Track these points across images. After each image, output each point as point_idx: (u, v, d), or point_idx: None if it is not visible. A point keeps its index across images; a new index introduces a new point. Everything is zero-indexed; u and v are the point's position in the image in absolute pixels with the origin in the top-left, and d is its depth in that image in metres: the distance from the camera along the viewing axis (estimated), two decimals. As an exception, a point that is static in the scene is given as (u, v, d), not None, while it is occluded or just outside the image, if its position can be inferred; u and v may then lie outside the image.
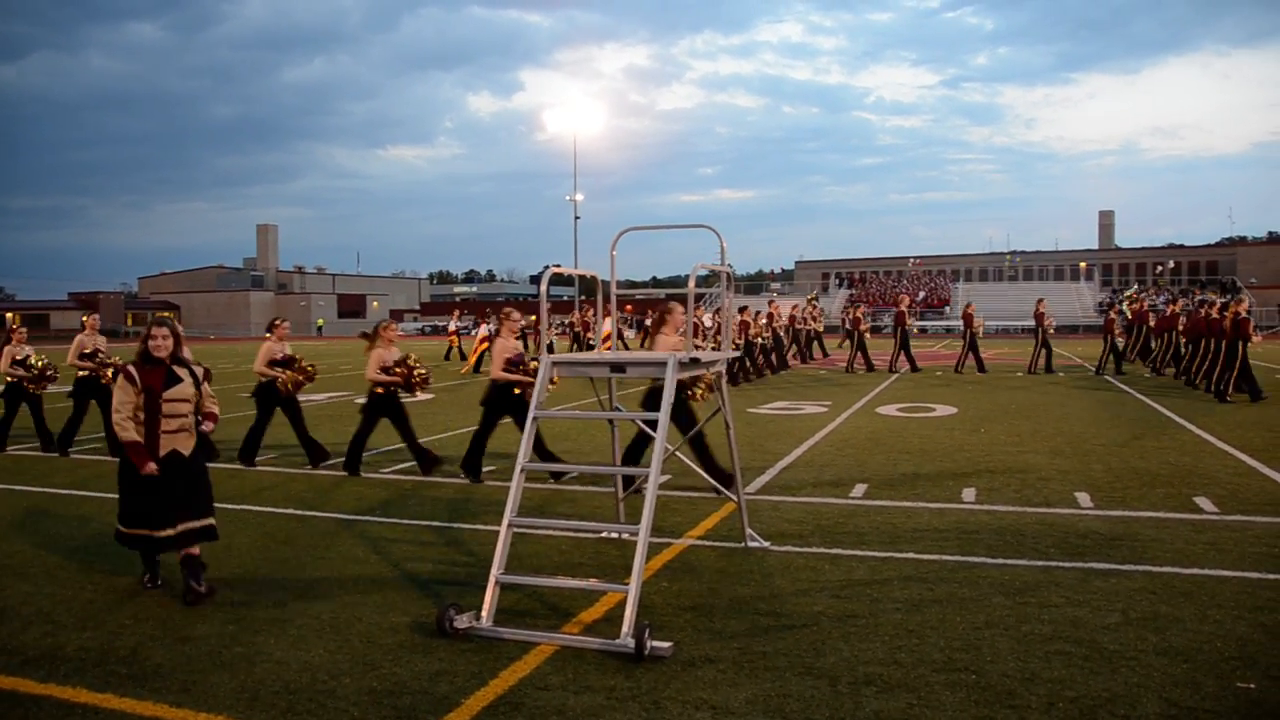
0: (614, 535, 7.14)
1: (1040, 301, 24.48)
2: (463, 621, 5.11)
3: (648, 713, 4.15)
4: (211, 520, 6.03)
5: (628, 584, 5.02)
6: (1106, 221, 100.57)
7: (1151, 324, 24.75)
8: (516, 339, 10.16)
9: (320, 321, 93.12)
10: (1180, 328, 22.03)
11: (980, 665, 4.62)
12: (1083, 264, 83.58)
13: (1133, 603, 5.50)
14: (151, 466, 5.77)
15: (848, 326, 27.88)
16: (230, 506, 8.53)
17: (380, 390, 10.19)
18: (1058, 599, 5.60)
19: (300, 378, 10.80)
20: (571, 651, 4.89)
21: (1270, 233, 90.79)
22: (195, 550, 5.89)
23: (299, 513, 8.29)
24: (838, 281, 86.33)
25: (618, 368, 5.96)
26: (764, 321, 23.82)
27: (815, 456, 10.90)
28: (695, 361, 6.00)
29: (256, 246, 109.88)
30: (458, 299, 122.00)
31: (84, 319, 12.85)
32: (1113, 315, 24.36)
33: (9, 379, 12.31)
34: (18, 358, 12.26)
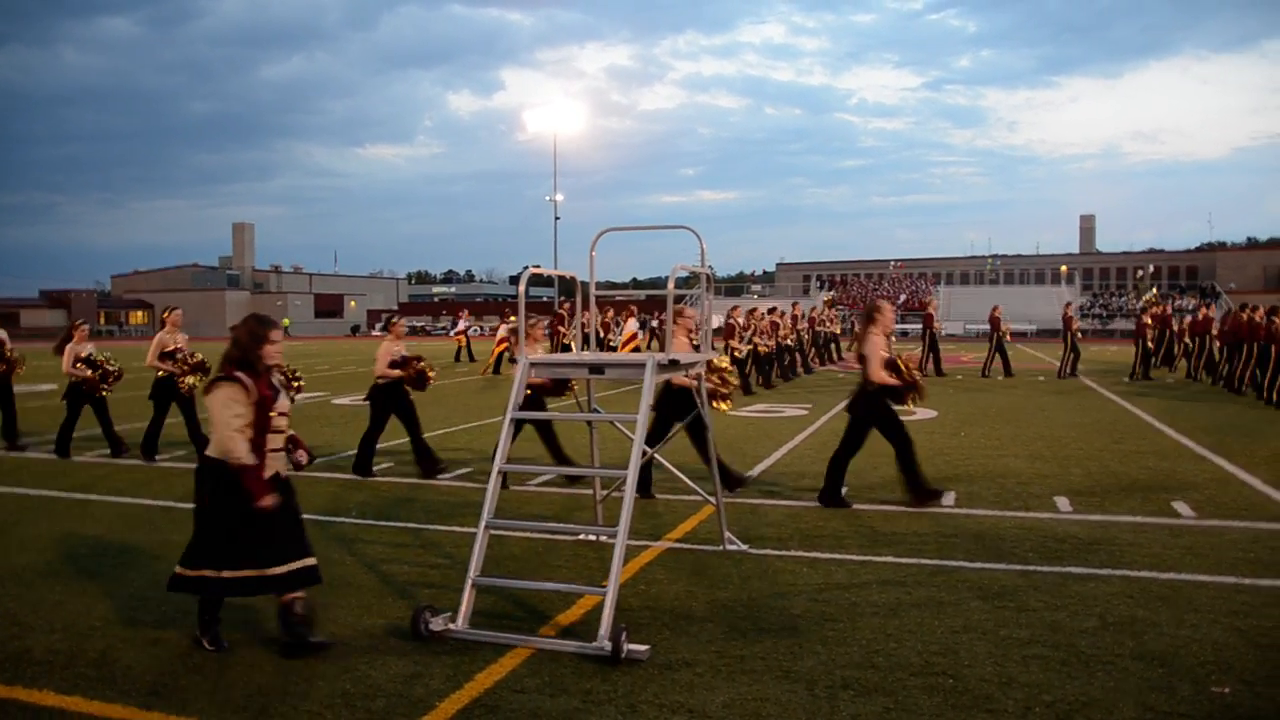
0: (592, 538, 7.11)
1: (1068, 305, 24.01)
2: (438, 624, 5.06)
3: (624, 716, 4.12)
4: (314, 559, 5.09)
5: (605, 586, 5.00)
6: (1087, 225, 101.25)
7: (1175, 328, 24.51)
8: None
9: (286, 321, 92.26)
10: (1214, 332, 21.52)
11: (958, 669, 4.61)
12: (1063, 268, 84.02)
13: (1110, 607, 5.51)
14: (270, 500, 4.88)
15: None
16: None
17: (383, 384, 10.07)
18: (1036, 603, 5.60)
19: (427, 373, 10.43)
20: (548, 654, 4.85)
21: (1249, 238, 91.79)
22: (301, 594, 4.98)
23: (274, 513, 8.20)
24: (819, 284, 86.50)
25: (596, 369, 5.93)
26: (789, 323, 23.42)
27: (795, 459, 10.90)
28: (674, 364, 5.96)
29: (232, 245, 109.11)
30: (436, 299, 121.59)
31: (164, 315, 11.34)
32: (1146, 320, 23.57)
33: (72, 379, 11.40)
34: (81, 356, 11.35)
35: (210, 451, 4.96)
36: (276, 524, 4.92)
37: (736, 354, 18.87)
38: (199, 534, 4.97)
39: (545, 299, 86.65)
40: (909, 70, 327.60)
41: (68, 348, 11.32)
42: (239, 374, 4.95)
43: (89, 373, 11.29)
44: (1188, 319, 25.22)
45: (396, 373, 10.09)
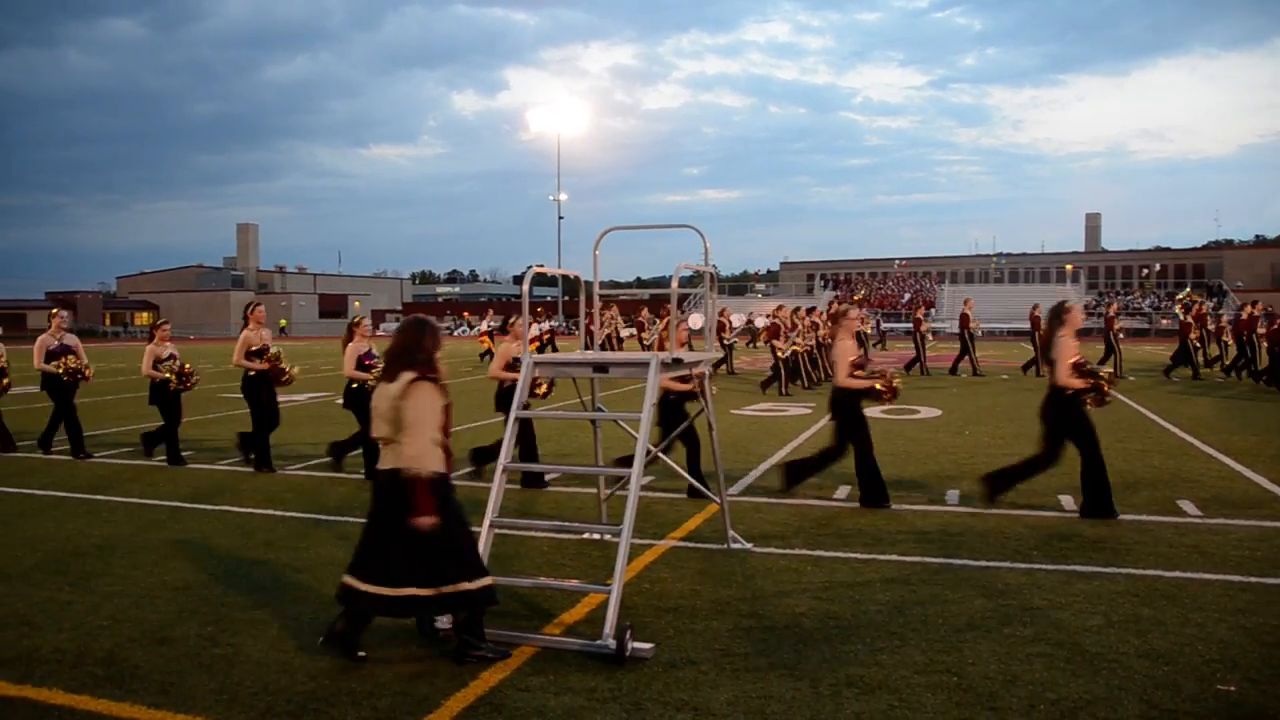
0: (596, 536, 7.12)
1: (1111, 305, 23.76)
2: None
3: (628, 714, 4.13)
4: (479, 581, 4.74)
5: (609, 585, 5.00)
6: (1093, 224, 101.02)
7: (1211, 327, 24.06)
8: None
9: (283, 322, 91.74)
10: (1263, 331, 20.90)
11: (962, 667, 4.61)
12: (1069, 266, 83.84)
13: (1115, 605, 5.51)
14: (430, 521, 4.58)
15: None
16: (209, 507, 8.48)
17: (355, 385, 10.13)
18: (1040, 601, 5.60)
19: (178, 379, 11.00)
20: (552, 652, 4.87)
21: (1257, 236, 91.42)
22: (462, 616, 4.78)
23: (279, 513, 8.23)
24: (823, 283, 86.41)
25: (600, 368, 5.94)
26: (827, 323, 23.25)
27: (798, 458, 10.87)
28: (678, 362, 5.98)
29: (237, 246, 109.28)
30: (440, 299, 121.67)
31: (248, 311, 10.66)
32: (1189, 319, 22.84)
33: (153, 380, 11.06)
34: (161, 357, 11.05)
35: (402, 463, 4.62)
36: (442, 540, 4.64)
37: (780, 353, 18.69)
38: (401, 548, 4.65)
39: (549, 298, 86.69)
40: (914, 69, 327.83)
41: (148, 349, 11.16)
42: (431, 372, 4.69)
43: (169, 374, 10.97)
44: (1225, 317, 24.83)
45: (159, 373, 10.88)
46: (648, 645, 4.84)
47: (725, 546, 6.85)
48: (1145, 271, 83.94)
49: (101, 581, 6.19)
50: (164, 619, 5.43)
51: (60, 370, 11.58)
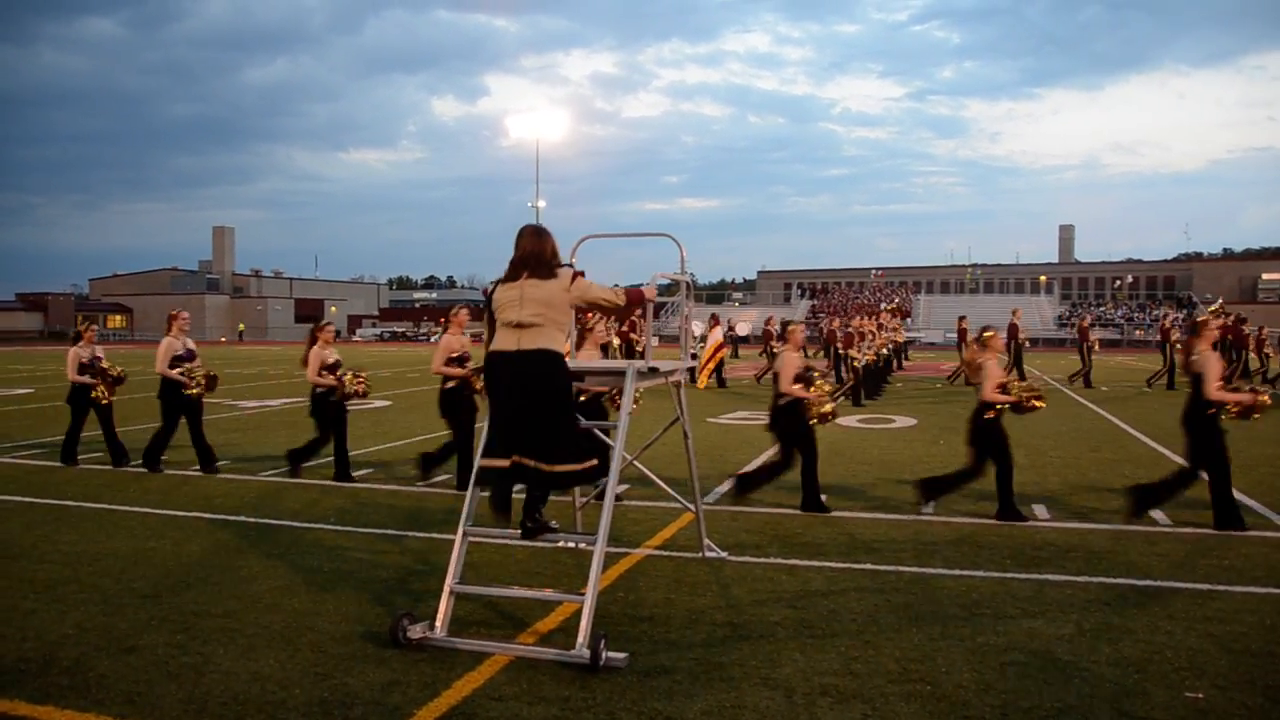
0: (571, 545, 7.10)
1: (1165, 316, 23.32)
2: (416, 631, 5.04)
3: (602, 724, 4.11)
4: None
5: (584, 594, 4.99)
6: (1066, 235, 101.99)
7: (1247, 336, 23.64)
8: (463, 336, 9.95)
9: (241, 326, 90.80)
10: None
11: (935, 676, 4.62)
12: (1042, 277, 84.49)
13: (1087, 614, 5.55)
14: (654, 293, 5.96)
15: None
16: (181, 514, 8.39)
17: (321, 391, 10.07)
18: (1013, 610, 5.63)
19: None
20: (526, 662, 4.84)
21: (1225, 249, 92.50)
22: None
23: (252, 520, 8.15)
24: (799, 292, 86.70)
25: (575, 377, 5.92)
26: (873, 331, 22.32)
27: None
28: (654, 371, 5.97)
29: (212, 249, 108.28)
30: (417, 304, 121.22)
31: (314, 329, 10.22)
32: (1214, 332, 22.26)
33: (318, 389, 10.12)
34: (328, 362, 10.13)
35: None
36: None
37: (856, 363, 18.42)
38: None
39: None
40: (893, 80, 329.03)
41: (311, 352, 10.12)
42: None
43: (332, 381, 10.16)
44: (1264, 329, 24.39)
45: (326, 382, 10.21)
46: (622, 654, 4.82)
47: (700, 555, 6.84)
48: (1117, 283, 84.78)
49: (68, 589, 6.11)
50: (132, 627, 5.36)
51: (188, 379, 10.50)
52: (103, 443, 11.29)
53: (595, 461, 5.24)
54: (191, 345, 10.74)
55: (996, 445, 8.15)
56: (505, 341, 5.17)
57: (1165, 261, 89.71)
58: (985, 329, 8.65)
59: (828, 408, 8.41)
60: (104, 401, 11.22)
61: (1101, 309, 74.71)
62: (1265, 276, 76.57)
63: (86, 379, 11.14)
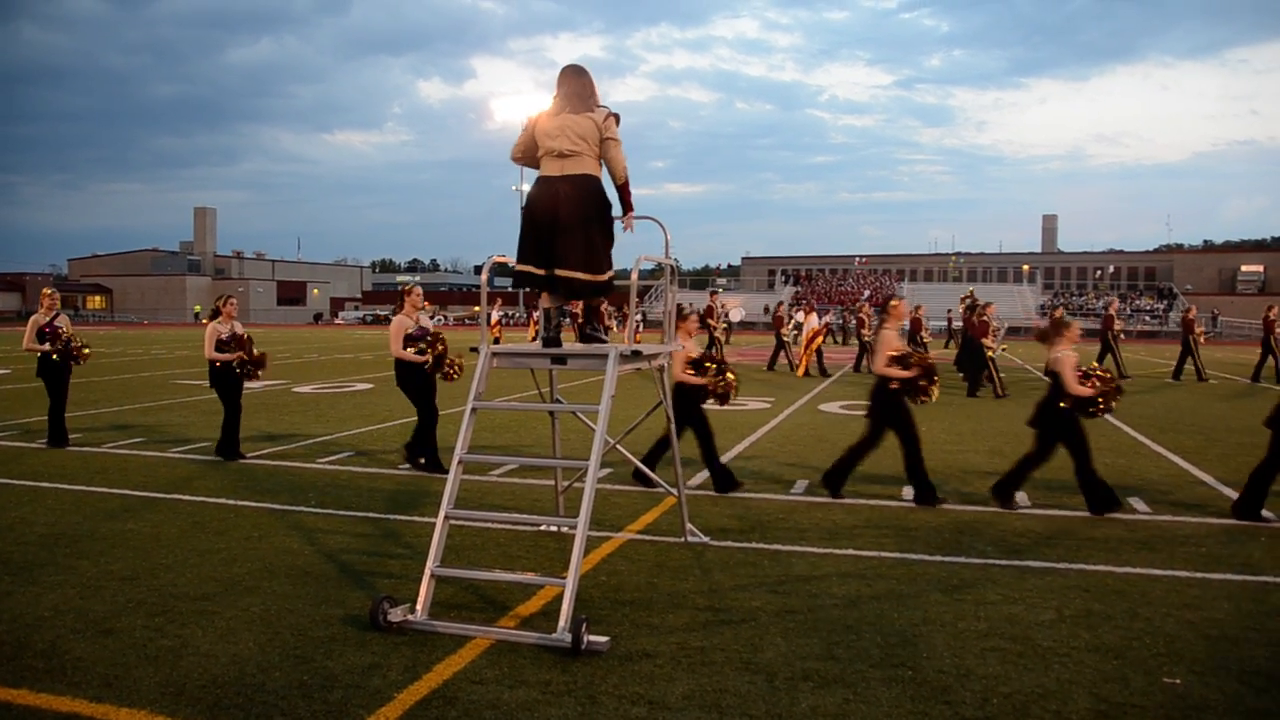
0: (553, 528, 7.08)
1: (1189, 310, 22.67)
2: (397, 614, 5.02)
3: (583, 707, 4.11)
4: None
5: (565, 578, 4.97)
6: (1050, 225, 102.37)
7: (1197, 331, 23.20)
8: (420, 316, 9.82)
9: (197, 308, 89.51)
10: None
11: (917, 661, 4.64)
12: (1025, 267, 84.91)
13: (1066, 600, 5.58)
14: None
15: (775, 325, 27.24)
16: (160, 495, 8.33)
17: (218, 365, 10.13)
18: (994, 596, 5.65)
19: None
20: (507, 645, 4.83)
21: (1205, 241, 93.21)
22: None
23: (231, 502, 8.10)
24: (784, 278, 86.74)
25: (558, 360, 5.90)
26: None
27: (756, 452, 10.92)
28: (636, 354, 5.94)
29: (194, 230, 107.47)
30: (400, 287, 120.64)
31: (404, 293, 9.90)
32: (1272, 315, 21.34)
33: (405, 359, 9.58)
34: (222, 337, 10.11)
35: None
36: None
37: (990, 353, 17.92)
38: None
39: (510, 289, 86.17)
40: (880, 68, 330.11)
41: (394, 320, 9.72)
42: None
43: (230, 356, 10.19)
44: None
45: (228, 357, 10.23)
46: (603, 638, 4.81)
47: (682, 540, 6.84)
48: (1099, 273, 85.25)
49: (44, 572, 6.05)
50: (109, 610, 5.32)
51: (233, 361, 10.26)
52: (87, 426, 11.17)
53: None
54: (240, 329, 10.42)
55: (897, 419, 8.19)
56: (551, 167, 5.82)
57: (1147, 252, 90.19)
58: (909, 307, 8.56)
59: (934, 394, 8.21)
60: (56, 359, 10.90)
61: (1083, 299, 75.08)
62: (1244, 268, 77.20)
63: (46, 347, 10.88)
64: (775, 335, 25.76)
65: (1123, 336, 23.28)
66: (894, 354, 8.16)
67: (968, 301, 20.97)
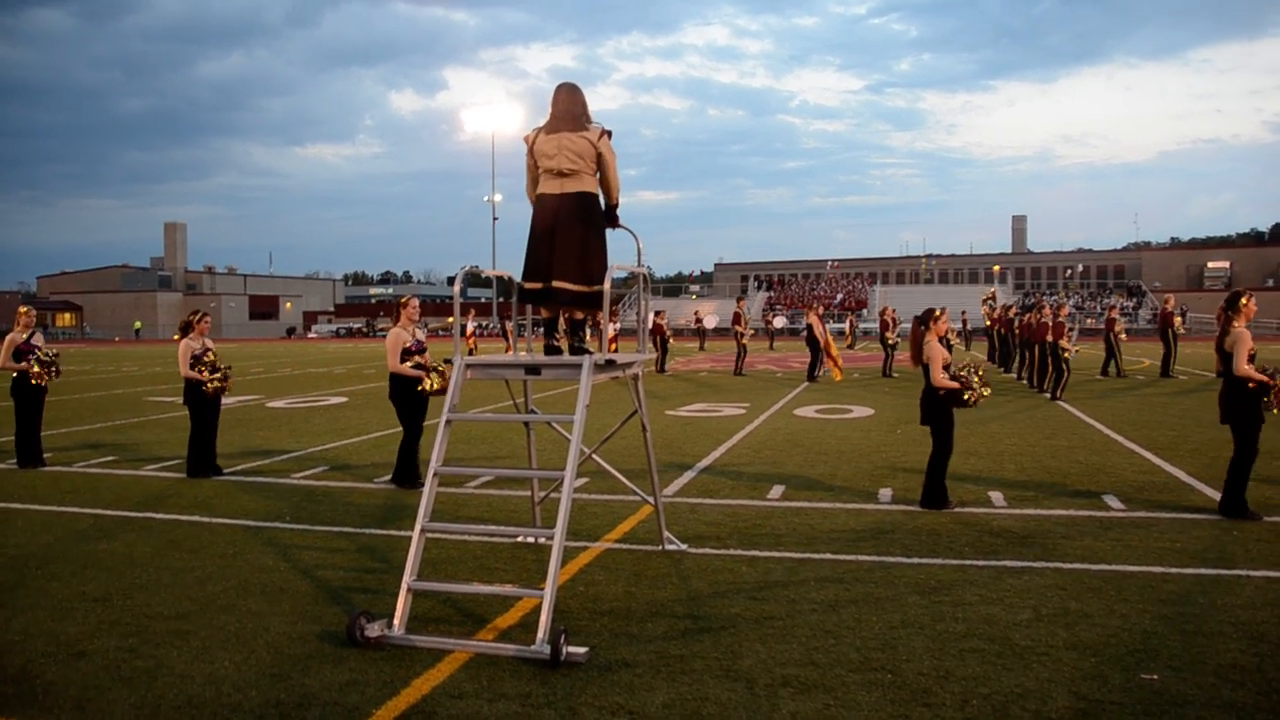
0: (530, 539, 7.05)
1: (1169, 300, 22.67)
2: (374, 630, 4.97)
3: (563, 719, 4.08)
4: None
5: (543, 589, 4.95)
6: (1019, 226, 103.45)
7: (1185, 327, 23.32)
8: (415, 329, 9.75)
9: (138, 324, 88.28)
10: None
11: (896, 664, 4.64)
12: (996, 267, 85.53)
13: (1044, 599, 5.60)
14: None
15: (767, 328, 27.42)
16: (132, 514, 8.23)
17: (192, 383, 10.00)
18: (972, 597, 5.67)
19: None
20: (486, 658, 4.80)
21: (1173, 238, 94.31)
22: None
23: (205, 520, 8.02)
24: (757, 284, 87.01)
25: (533, 370, 5.88)
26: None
27: (733, 458, 10.93)
28: (611, 364, 5.94)
29: (164, 245, 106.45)
30: (373, 300, 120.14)
31: (190, 320, 9.98)
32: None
33: (402, 374, 9.36)
34: (195, 352, 9.99)
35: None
36: None
37: (1066, 355, 17.67)
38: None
39: (484, 300, 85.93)
40: (851, 73, 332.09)
41: (184, 343, 9.97)
42: None
43: (204, 373, 10.01)
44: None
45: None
46: (583, 649, 4.79)
47: (660, 548, 6.83)
48: (1069, 272, 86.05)
49: (15, 594, 5.96)
50: (82, 632, 5.24)
51: (205, 379, 10.07)
52: (59, 445, 11.02)
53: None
54: (210, 344, 10.32)
55: (939, 422, 8.24)
56: (550, 186, 6.00)
57: (1115, 251, 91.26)
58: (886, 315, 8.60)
59: (986, 392, 8.19)
60: (35, 382, 10.74)
61: (1054, 298, 75.73)
62: (1211, 265, 78.16)
63: (22, 365, 10.71)
64: (735, 338, 25.80)
65: (1124, 337, 23.27)
66: (945, 363, 8.18)
67: (989, 301, 20.88)
